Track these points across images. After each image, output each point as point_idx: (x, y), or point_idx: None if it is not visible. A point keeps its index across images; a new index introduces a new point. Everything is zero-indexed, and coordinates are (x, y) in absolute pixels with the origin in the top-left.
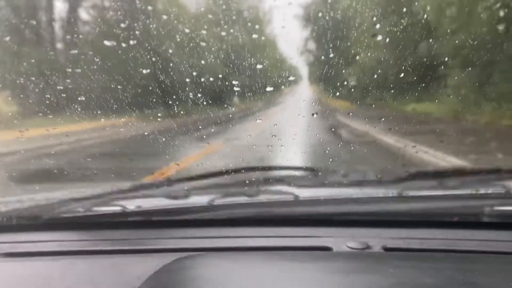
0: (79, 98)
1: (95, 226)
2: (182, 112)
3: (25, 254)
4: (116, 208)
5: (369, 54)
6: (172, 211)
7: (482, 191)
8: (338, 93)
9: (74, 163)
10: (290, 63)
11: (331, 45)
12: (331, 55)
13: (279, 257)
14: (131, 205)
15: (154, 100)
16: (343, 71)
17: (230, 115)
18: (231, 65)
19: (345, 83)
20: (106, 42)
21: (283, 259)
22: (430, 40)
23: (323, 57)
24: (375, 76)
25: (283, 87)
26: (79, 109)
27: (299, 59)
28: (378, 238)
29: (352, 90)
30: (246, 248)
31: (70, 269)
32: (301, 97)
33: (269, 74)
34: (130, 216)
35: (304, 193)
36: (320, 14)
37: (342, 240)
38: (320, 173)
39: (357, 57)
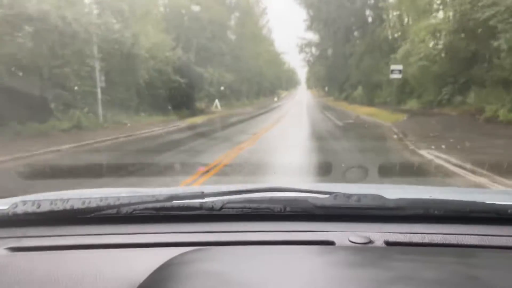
0: None
1: (100, 220)
2: None
3: (32, 248)
4: (122, 202)
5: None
6: (178, 206)
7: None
8: (349, 96)
9: None
10: (286, 61)
11: (344, 29)
12: (344, 42)
13: (282, 251)
14: (137, 199)
15: None
16: (361, 64)
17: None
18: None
19: (366, 80)
20: None
21: (286, 253)
22: None
23: (330, 49)
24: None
25: (279, 90)
26: None
27: (298, 57)
28: (380, 233)
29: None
30: (250, 242)
31: (76, 263)
32: (302, 101)
33: (263, 73)
34: (135, 211)
35: (306, 188)
36: None
37: (344, 234)
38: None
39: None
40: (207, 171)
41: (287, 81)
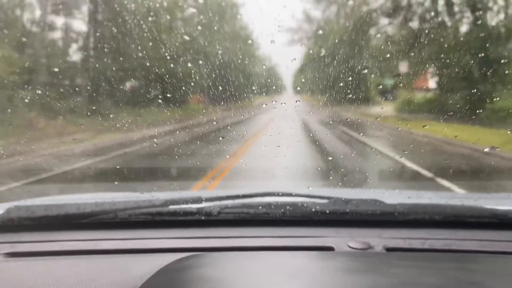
0: None
1: (95, 225)
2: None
3: (26, 254)
4: (117, 207)
5: None
6: (174, 211)
7: (482, 191)
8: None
9: None
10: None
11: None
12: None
13: (282, 257)
14: (133, 204)
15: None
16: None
17: None
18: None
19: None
20: None
21: (285, 260)
22: None
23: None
24: None
25: (264, 94)
26: None
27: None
28: (379, 238)
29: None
30: (248, 248)
31: (71, 268)
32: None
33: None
34: (131, 216)
35: (305, 192)
36: None
37: (344, 240)
38: (337, 202)
39: None
40: None
41: (268, 82)
